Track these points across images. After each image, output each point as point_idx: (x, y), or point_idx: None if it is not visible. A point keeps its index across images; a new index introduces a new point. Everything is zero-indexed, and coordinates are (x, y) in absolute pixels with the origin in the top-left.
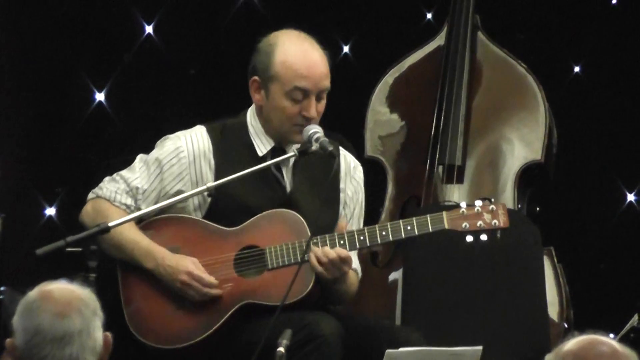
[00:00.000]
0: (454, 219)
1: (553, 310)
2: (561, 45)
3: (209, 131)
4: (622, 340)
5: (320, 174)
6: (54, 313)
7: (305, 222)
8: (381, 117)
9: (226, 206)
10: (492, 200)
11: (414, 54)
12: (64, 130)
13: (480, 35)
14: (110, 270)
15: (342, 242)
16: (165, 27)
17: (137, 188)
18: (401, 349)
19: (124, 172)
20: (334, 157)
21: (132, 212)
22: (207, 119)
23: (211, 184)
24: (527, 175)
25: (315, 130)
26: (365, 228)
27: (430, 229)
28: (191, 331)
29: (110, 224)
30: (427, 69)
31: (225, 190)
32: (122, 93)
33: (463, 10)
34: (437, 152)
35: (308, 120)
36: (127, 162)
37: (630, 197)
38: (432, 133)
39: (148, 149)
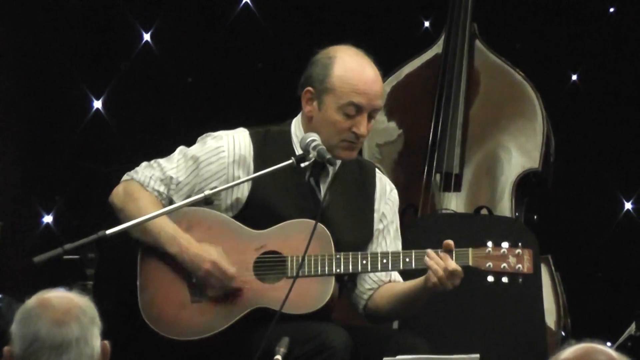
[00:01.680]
0: (479, 257)
1: (550, 318)
2: (559, 54)
3: (252, 135)
4: (620, 348)
5: (355, 192)
6: (52, 321)
7: (331, 237)
8: (379, 125)
9: (258, 211)
10: (520, 244)
11: (412, 62)
12: (61, 138)
13: (478, 43)
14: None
15: (364, 262)
16: (162, 35)
17: (171, 178)
18: (398, 357)
19: (161, 161)
20: (332, 164)
21: (163, 200)
22: (204, 127)
23: (208, 192)
24: (525, 183)
25: (312, 138)
26: (390, 252)
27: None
28: (202, 327)
29: (107, 232)
30: (424, 77)
31: (261, 195)
32: (119, 101)
33: (460, 18)
34: (435, 160)
35: (357, 138)
36: (125, 170)
37: (628, 206)
38: (430, 141)
39: (146, 157)
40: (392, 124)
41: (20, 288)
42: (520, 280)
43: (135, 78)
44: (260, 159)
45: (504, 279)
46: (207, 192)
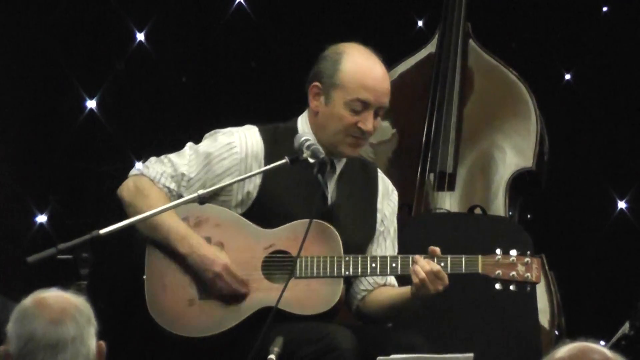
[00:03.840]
0: (488, 264)
1: (544, 317)
2: (552, 53)
3: (262, 132)
4: (614, 347)
5: (361, 190)
6: (48, 320)
7: (340, 240)
8: None
9: (267, 208)
10: (529, 252)
11: (405, 61)
12: (55, 138)
13: (472, 43)
14: (103, 277)
15: (373, 265)
16: (156, 35)
17: (183, 174)
18: (392, 356)
19: (172, 156)
20: (325, 163)
21: (173, 196)
22: (199, 127)
23: (202, 191)
24: (519, 182)
25: (306, 137)
26: (399, 256)
27: (464, 271)
28: (208, 325)
29: (101, 232)
30: (418, 76)
31: (271, 192)
32: (113, 101)
33: (454, 18)
34: (429, 160)
35: (363, 134)
36: (118, 170)
37: (622, 205)
38: (424, 140)
39: (139, 156)
40: (386, 123)
41: (14, 288)
42: (529, 289)
43: (129, 78)
44: (271, 156)
45: (512, 287)
46: (200, 192)
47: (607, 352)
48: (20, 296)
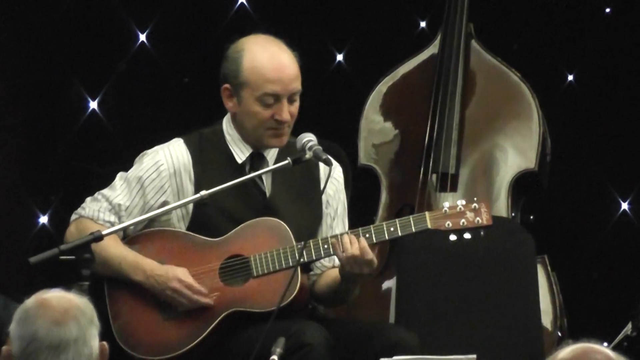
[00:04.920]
0: (437, 218)
1: (547, 318)
2: (555, 54)
3: (187, 143)
4: (616, 348)
5: (299, 177)
6: (50, 321)
7: (289, 229)
8: (375, 126)
9: (208, 215)
10: (475, 199)
11: (408, 62)
12: (57, 138)
13: (474, 43)
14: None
15: (326, 246)
16: (158, 36)
17: (119, 205)
18: (395, 358)
19: (105, 191)
20: (329, 164)
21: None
22: (200, 127)
23: (205, 192)
24: (521, 183)
25: (309, 138)
26: (349, 231)
27: (414, 230)
28: (179, 341)
29: (103, 232)
30: (420, 77)
31: (206, 200)
32: (115, 101)
33: (457, 18)
34: (431, 161)
35: (281, 124)
36: (120, 171)
37: (624, 206)
38: (426, 141)
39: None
40: (388, 124)
41: (16, 288)
42: (482, 233)
43: (131, 78)
44: (199, 163)
45: (466, 235)
46: (202, 192)
47: (610, 353)
48: (22, 296)
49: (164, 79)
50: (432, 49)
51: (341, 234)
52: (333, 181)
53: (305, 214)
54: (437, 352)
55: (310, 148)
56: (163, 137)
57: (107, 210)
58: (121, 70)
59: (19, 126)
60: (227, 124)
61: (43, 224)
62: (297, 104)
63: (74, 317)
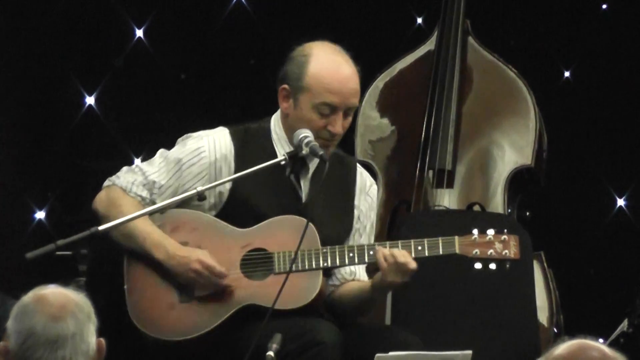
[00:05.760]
0: (465, 244)
1: (543, 315)
2: (551, 50)
3: (232, 134)
4: (612, 345)
5: (336, 188)
6: (48, 316)
7: (316, 232)
8: (371, 122)
9: (240, 208)
10: (506, 230)
11: (405, 58)
12: (54, 134)
13: (471, 40)
14: (101, 274)
15: (351, 254)
16: (155, 31)
17: (154, 182)
18: (391, 353)
19: (143, 165)
20: (325, 161)
21: (146, 204)
22: (197, 124)
23: (201, 187)
24: (518, 180)
25: (305, 134)
26: (376, 244)
27: (441, 252)
28: (192, 326)
29: (100, 228)
30: (417, 73)
31: (242, 193)
32: (112, 97)
33: (454, 15)
34: (428, 157)
35: (333, 136)
36: (117, 167)
37: (620, 202)
38: (423, 137)
39: (138, 153)
40: (385, 121)
41: (12, 284)
42: (508, 265)
43: (128, 74)
44: (241, 157)
45: (492, 266)
46: (199, 187)
47: (606, 349)
48: (19, 292)
49: (160, 75)
50: (429, 45)
51: (382, 243)
52: (367, 199)
53: (336, 224)
54: (433, 348)
55: (307, 144)
56: (159, 133)
57: (141, 185)
58: (118, 66)
59: (16, 121)
60: (275, 123)
61: (39, 219)
62: (350, 119)
63: (71, 313)
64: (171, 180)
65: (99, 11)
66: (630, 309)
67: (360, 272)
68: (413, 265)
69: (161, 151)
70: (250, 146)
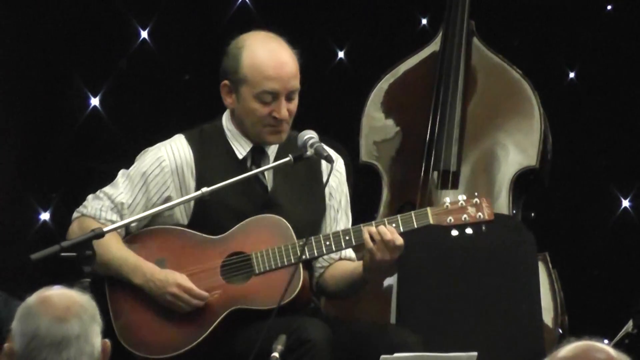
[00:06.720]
0: (438, 214)
1: (548, 316)
2: (556, 51)
3: (188, 139)
4: (617, 346)
5: (301, 171)
6: (52, 317)
7: (290, 226)
8: (376, 123)
9: (210, 209)
10: (477, 194)
11: (409, 59)
12: (58, 135)
13: (475, 40)
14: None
15: (327, 243)
16: (160, 33)
17: (122, 203)
18: (396, 355)
19: (106, 189)
20: (331, 162)
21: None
22: (201, 124)
23: (206, 189)
24: (522, 181)
25: (310, 135)
26: (351, 228)
27: (415, 225)
28: (182, 340)
29: (105, 229)
30: (422, 74)
31: (207, 196)
32: (117, 98)
33: (458, 15)
34: (432, 158)
35: (279, 121)
36: (121, 168)
37: (625, 203)
38: (427, 139)
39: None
40: (390, 122)
41: (17, 285)
42: (484, 228)
43: (133, 75)
44: (201, 159)
45: (468, 230)
46: (204, 189)
47: (611, 350)
48: (24, 293)
49: (165, 76)
50: (434, 46)
51: (369, 224)
52: (336, 174)
53: (307, 207)
54: (439, 349)
55: (311, 145)
56: (164, 134)
57: (109, 209)
58: (122, 67)
59: (20, 122)
60: (226, 120)
61: (44, 220)
62: (295, 102)
63: (76, 314)
64: (138, 196)
65: (103, 12)
66: (636, 310)
67: (347, 251)
68: (400, 241)
69: (122, 171)
70: (207, 147)
